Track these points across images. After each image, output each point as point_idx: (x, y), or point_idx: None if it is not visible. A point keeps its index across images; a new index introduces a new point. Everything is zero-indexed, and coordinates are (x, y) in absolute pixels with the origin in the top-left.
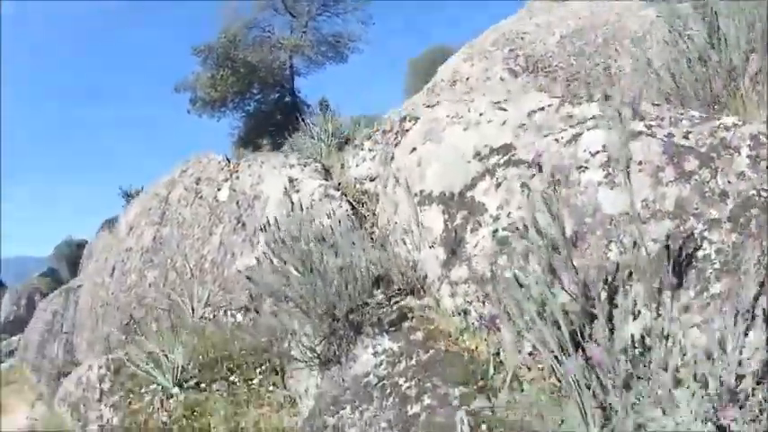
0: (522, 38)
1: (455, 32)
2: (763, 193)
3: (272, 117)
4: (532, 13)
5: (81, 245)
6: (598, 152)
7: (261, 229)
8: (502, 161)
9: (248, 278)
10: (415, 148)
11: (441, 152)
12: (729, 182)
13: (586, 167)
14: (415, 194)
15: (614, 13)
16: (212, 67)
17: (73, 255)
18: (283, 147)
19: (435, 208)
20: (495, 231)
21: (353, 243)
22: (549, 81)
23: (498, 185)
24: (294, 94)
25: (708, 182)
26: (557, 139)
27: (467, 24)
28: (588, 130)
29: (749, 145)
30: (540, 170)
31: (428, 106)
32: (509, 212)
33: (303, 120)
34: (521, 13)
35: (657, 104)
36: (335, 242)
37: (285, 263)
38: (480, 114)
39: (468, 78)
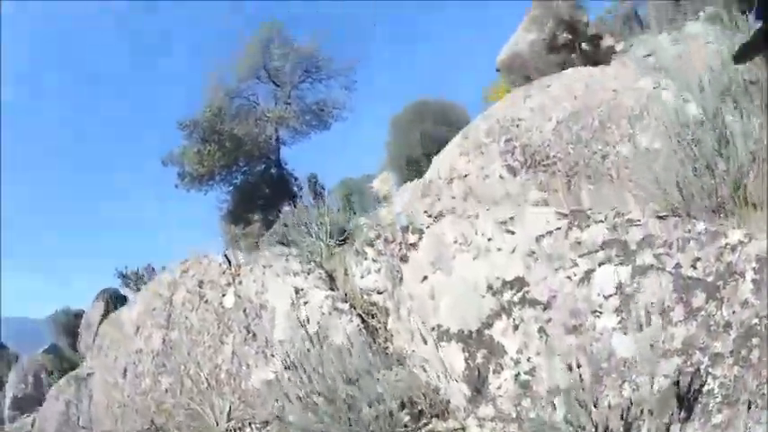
0: (517, 125)
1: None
2: (765, 321)
3: (259, 190)
4: (527, 93)
5: (78, 315)
6: (611, 295)
7: (285, 368)
8: (516, 299)
9: (278, 417)
10: (426, 277)
11: (452, 284)
12: (734, 311)
13: (601, 312)
14: (432, 328)
15: (610, 90)
16: (198, 141)
17: (71, 324)
18: (274, 225)
19: (455, 345)
20: (518, 375)
21: (378, 380)
22: (548, 177)
23: (516, 328)
24: (280, 166)
25: (713, 315)
26: (569, 277)
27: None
28: (600, 265)
29: (754, 268)
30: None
31: (429, 215)
32: (529, 357)
33: (295, 203)
34: (515, 95)
35: (663, 217)
36: (360, 379)
37: (316, 403)
38: (489, 240)
39: (466, 176)
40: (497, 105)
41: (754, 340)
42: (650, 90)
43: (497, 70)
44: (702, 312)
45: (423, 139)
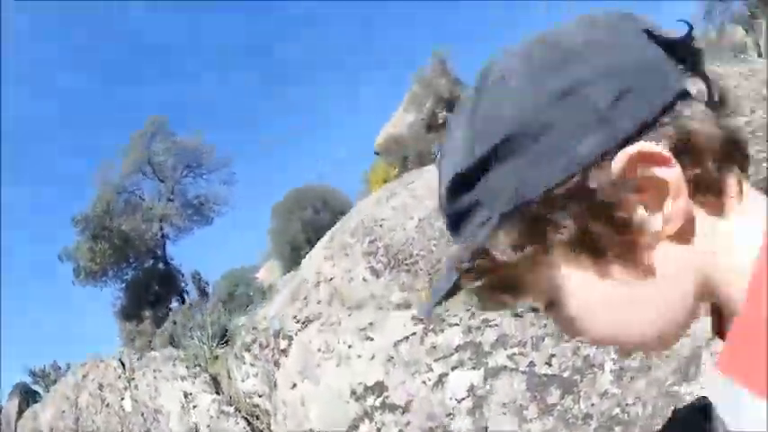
0: (380, 225)
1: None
2: (628, 408)
3: (149, 286)
4: (392, 191)
5: None
6: (464, 399)
7: None
8: (378, 403)
9: None
10: (295, 384)
11: (319, 392)
12: (593, 404)
13: (454, 415)
14: None
15: None
16: (90, 238)
17: None
18: (165, 323)
19: None
20: None
21: None
22: (411, 277)
23: (378, 431)
24: (167, 262)
25: (571, 409)
26: (424, 381)
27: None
28: (453, 369)
29: (613, 359)
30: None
31: (297, 321)
32: None
33: (183, 299)
34: (380, 193)
35: (520, 315)
36: None
37: None
38: (349, 347)
39: (331, 279)
40: (364, 203)
41: (618, 429)
42: None
43: (376, 153)
44: (559, 407)
45: (304, 226)
